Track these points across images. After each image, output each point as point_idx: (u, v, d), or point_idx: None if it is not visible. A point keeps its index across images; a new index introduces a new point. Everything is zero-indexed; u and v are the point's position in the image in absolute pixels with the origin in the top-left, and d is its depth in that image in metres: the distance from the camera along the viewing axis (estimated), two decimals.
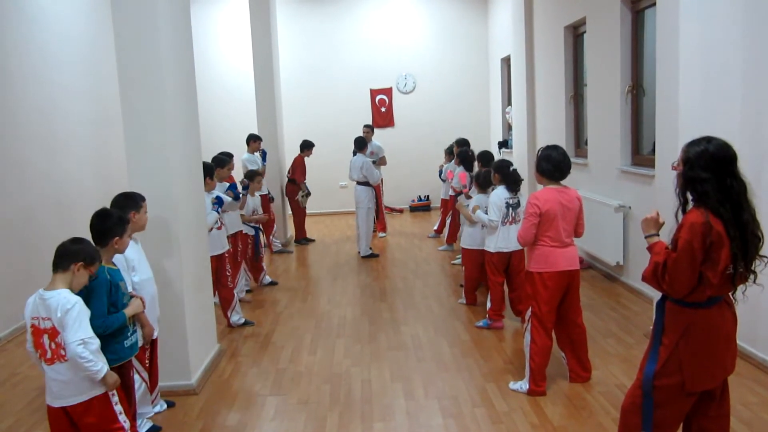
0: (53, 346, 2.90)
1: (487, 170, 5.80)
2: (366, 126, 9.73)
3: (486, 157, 6.46)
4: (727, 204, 2.53)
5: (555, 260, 3.94)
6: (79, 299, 2.92)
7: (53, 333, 2.89)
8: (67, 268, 2.94)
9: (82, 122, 7.44)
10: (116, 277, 3.28)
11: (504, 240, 5.21)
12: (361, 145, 8.64)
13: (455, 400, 4.05)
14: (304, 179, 9.36)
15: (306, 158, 9.43)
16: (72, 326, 2.85)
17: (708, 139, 2.63)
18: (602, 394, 4.03)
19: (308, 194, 9.35)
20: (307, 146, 9.43)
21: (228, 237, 5.76)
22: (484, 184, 5.67)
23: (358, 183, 8.53)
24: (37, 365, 3.04)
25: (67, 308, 2.85)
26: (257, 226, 6.81)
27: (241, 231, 6.31)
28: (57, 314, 2.85)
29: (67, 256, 2.94)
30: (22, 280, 5.96)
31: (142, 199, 3.74)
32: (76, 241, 3.01)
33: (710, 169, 2.55)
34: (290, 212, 9.60)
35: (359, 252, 8.49)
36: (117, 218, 3.33)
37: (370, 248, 8.47)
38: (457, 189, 7.26)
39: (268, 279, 7.13)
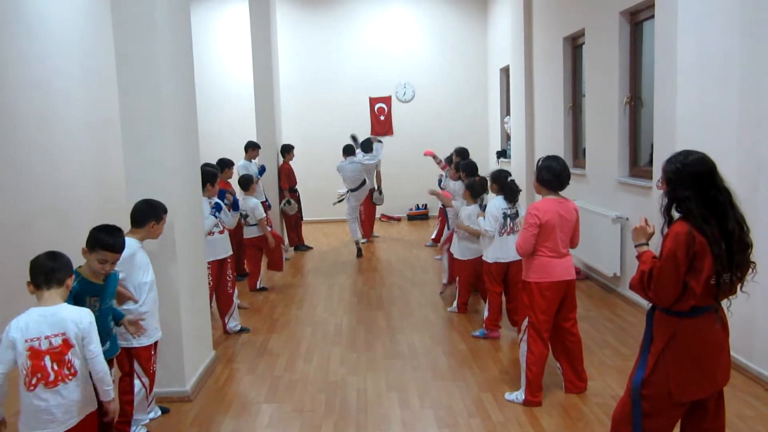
0: (55, 366, 2.74)
1: (481, 179, 5.82)
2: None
3: (470, 166, 6.41)
4: (712, 220, 2.55)
5: (552, 270, 3.95)
6: (91, 311, 2.89)
7: (63, 350, 2.74)
8: (62, 282, 2.82)
9: (80, 128, 7.44)
10: (81, 292, 3.18)
11: (502, 250, 5.21)
12: (349, 151, 9.04)
13: (451, 410, 4.04)
14: (289, 186, 9.35)
15: (290, 162, 9.46)
16: (97, 338, 2.82)
17: (684, 155, 2.65)
18: (598, 405, 4.02)
19: (289, 202, 9.19)
20: (287, 150, 9.44)
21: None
22: (476, 194, 5.68)
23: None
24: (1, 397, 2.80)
25: (90, 320, 2.80)
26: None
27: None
28: (78, 326, 2.76)
29: (60, 270, 2.81)
30: (18, 286, 5.91)
31: (165, 211, 3.80)
32: (53, 256, 2.84)
33: (691, 186, 2.58)
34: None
35: (360, 240, 9.08)
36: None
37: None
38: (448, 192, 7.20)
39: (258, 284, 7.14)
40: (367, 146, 9.10)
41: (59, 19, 7.13)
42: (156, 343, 3.84)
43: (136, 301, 3.64)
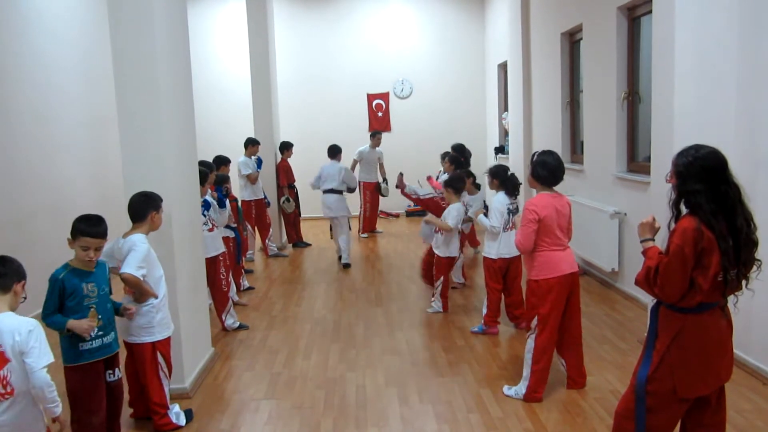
0: None
1: (460, 174, 5.92)
2: (377, 133, 10.10)
3: (457, 159, 6.49)
4: (720, 215, 2.53)
5: (557, 264, 3.94)
6: (36, 321, 2.68)
7: None
8: (9, 288, 2.67)
9: (77, 125, 7.42)
10: (73, 279, 3.21)
11: (506, 246, 5.20)
12: (335, 152, 8.48)
13: (449, 406, 4.05)
14: (288, 183, 9.30)
15: (288, 159, 9.41)
16: (39, 349, 2.57)
17: (696, 148, 2.62)
18: (597, 400, 4.02)
19: (288, 199, 9.15)
20: (286, 147, 9.39)
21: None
22: (458, 190, 5.78)
23: (334, 191, 8.21)
24: None
25: (29, 329, 2.57)
26: (234, 226, 6.57)
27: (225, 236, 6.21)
28: (15, 337, 2.54)
29: (6, 276, 2.68)
30: None
31: (161, 199, 3.80)
32: (6, 260, 2.73)
33: (703, 179, 2.56)
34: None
35: (343, 260, 8.17)
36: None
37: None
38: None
39: (246, 284, 7.00)
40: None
41: (56, 15, 7.11)
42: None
43: (156, 297, 3.66)
